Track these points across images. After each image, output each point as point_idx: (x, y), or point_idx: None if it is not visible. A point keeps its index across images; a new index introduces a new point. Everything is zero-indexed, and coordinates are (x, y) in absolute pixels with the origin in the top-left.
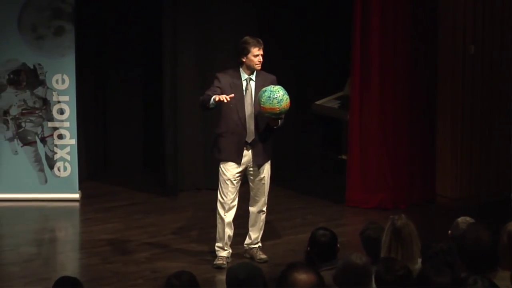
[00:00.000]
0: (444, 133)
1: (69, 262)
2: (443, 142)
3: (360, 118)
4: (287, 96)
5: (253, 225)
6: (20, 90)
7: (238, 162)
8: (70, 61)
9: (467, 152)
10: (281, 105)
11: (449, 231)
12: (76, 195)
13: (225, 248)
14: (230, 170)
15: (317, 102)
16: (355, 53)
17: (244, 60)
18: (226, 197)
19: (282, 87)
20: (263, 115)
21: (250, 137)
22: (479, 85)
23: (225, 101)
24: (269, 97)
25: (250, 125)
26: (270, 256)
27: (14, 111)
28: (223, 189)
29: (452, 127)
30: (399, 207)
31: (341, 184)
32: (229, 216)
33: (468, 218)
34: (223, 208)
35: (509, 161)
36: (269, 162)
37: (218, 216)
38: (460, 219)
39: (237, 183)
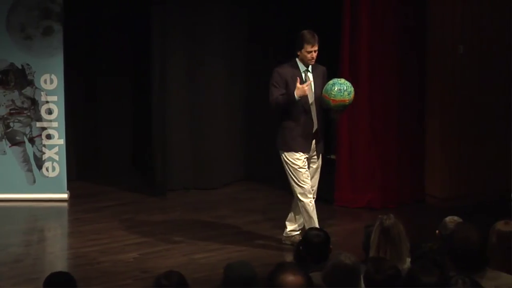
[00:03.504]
0: (433, 133)
1: (58, 262)
2: (432, 142)
3: (349, 118)
4: (353, 88)
5: (298, 212)
6: (9, 90)
7: (308, 151)
8: (58, 61)
9: (456, 152)
10: (350, 96)
11: (437, 231)
12: (65, 195)
13: None
14: (300, 159)
15: None
16: (344, 54)
17: (299, 53)
18: (306, 184)
19: (345, 80)
20: (329, 108)
21: (314, 127)
22: (468, 85)
23: (307, 90)
24: (340, 89)
25: (314, 115)
26: (259, 256)
27: (2, 111)
28: (299, 177)
29: (441, 127)
30: (388, 206)
31: (330, 184)
32: (312, 199)
33: (456, 218)
34: (305, 195)
35: (497, 161)
36: None
37: (302, 203)
38: (448, 219)
39: (307, 168)
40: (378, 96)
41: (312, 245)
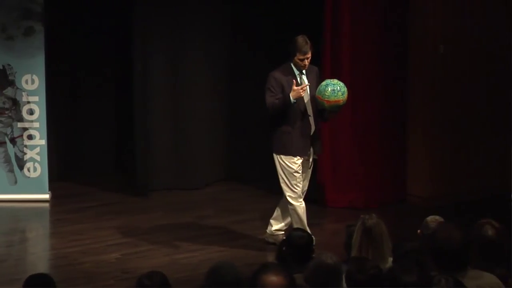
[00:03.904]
0: (415, 132)
1: (39, 263)
2: (414, 141)
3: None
4: (346, 88)
5: (285, 211)
6: None
7: (306, 155)
8: (39, 62)
9: (438, 152)
10: (344, 96)
11: (419, 230)
12: (46, 196)
13: None
14: (296, 163)
15: None
16: (326, 54)
17: (292, 58)
18: (297, 188)
19: (339, 81)
20: (324, 108)
21: (312, 129)
22: (450, 85)
23: (303, 93)
24: (334, 90)
25: (311, 117)
26: (241, 256)
27: None
28: (292, 181)
29: (423, 127)
30: (370, 206)
31: (312, 184)
32: (303, 202)
33: (437, 217)
34: (296, 198)
35: (479, 160)
36: None
37: (293, 207)
38: (429, 218)
39: (301, 172)
40: (359, 96)
41: (295, 246)
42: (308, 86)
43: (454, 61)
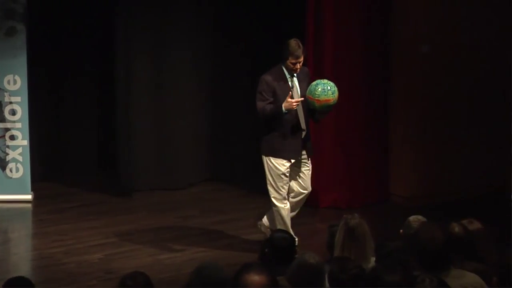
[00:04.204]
0: (398, 132)
1: (22, 264)
2: (397, 141)
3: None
4: (336, 88)
5: (293, 210)
6: None
7: (296, 158)
8: (22, 62)
9: (420, 151)
10: (334, 96)
11: (401, 230)
12: (29, 196)
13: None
14: (284, 165)
15: None
16: (308, 55)
17: (284, 61)
18: (283, 191)
19: (329, 80)
20: (314, 108)
21: (303, 132)
22: (433, 84)
23: (295, 107)
24: (324, 89)
25: (302, 120)
26: (225, 256)
27: None
28: (278, 183)
29: (406, 126)
30: (353, 206)
31: None
32: (288, 204)
33: (419, 217)
34: (280, 201)
35: (461, 160)
36: None
37: (277, 208)
38: (411, 218)
39: (289, 175)
40: (342, 97)
41: (278, 248)
42: (299, 89)
43: (436, 61)
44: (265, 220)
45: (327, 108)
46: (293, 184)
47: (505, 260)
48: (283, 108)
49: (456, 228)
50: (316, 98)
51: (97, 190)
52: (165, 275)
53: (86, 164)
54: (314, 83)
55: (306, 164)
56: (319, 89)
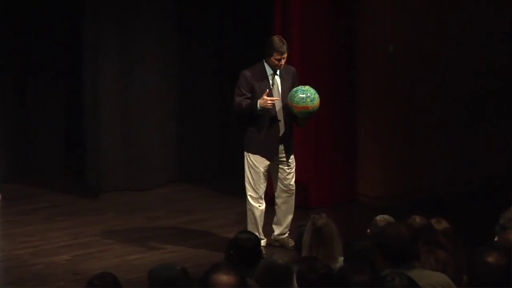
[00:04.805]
0: (366, 132)
1: None
2: (365, 141)
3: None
4: (317, 95)
5: (283, 216)
6: None
7: (273, 157)
8: None
9: (388, 151)
10: (313, 103)
11: (368, 230)
12: None
13: (262, 237)
14: (263, 163)
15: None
16: None
17: (267, 58)
18: (259, 189)
19: (310, 87)
20: (294, 115)
21: (281, 130)
22: (400, 84)
23: (270, 106)
24: (302, 97)
25: (281, 119)
26: (193, 257)
27: None
28: (255, 181)
29: (373, 126)
30: (320, 206)
31: None
32: (262, 205)
33: (386, 216)
34: (256, 199)
35: (429, 159)
36: None
37: (250, 207)
38: (378, 218)
39: (267, 174)
40: None
41: (243, 249)
42: (281, 88)
43: (403, 60)
44: (274, 233)
45: (306, 115)
46: (276, 184)
47: (474, 259)
48: (258, 105)
49: (417, 219)
50: (295, 105)
51: (65, 191)
52: (133, 276)
53: (54, 165)
54: (294, 89)
55: (287, 164)
56: (298, 96)
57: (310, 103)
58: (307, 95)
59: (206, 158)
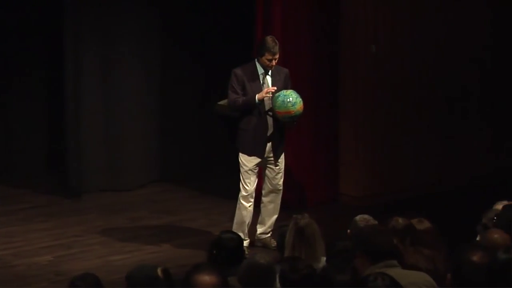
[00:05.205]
0: (347, 132)
1: None
2: (346, 141)
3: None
4: (300, 99)
5: (268, 215)
6: None
7: (261, 156)
8: None
9: (369, 151)
10: (295, 108)
11: (348, 230)
12: None
13: (246, 238)
14: (251, 161)
15: (220, 103)
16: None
17: (259, 57)
18: (249, 187)
19: (294, 91)
20: (279, 120)
21: (269, 130)
22: (381, 84)
23: (265, 95)
24: (283, 101)
25: (270, 119)
26: (175, 257)
27: None
28: (245, 179)
29: (354, 127)
30: (303, 206)
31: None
32: (252, 205)
33: (366, 216)
34: (246, 198)
35: (411, 159)
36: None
37: (240, 206)
38: (358, 218)
39: (256, 172)
40: None
41: (225, 248)
42: (271, 86)
43: (385, 61)
44: (257, 232)
45: (290, 119)
46: (264, 183)
47: (459, 258)
48: (256, 99)
49: (400, 220)
50: (277, 110)
51: (46, 191)
52: (115, 277)
53: (35, 166)
54: (277, 94)
55: (276, 164)
56: (279, 101)
57: (291, 107)
58: (288, 99)
59: (188, 158)
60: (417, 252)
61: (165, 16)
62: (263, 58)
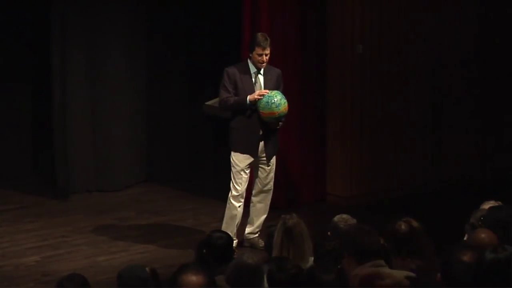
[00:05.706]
0: (334, 131)
1: None
2: (333, 141)
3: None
4: (285, 100)
5: (257, 215)
6: None
7: (254, 155)
8: None
9: (357, 151)
10: (279, 109)
11: (329, 232)
12: None
13: (234, 238)
14: (243, 161)
15: (207, 103)
16: (244, 55)
17: (250, 55)
18: (240, 187)
19: (279, 92)
20: (264, 121)
21: (262, 129)
22: (368, 84)
23: (260, 98)
24: (267, 102)
25: (260, 118)
26: (162, 258)
27: None
28: (236, 180)
29: (341, 127)
30: (290, 206)
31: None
32: (242, 206)
33: (344, 216)
34: (236, 198)
35: (397, 159)
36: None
37: (230, 205)
38: (336, 218)
39: (248, 172)
40: None
41: (216, 247)
42: (264, 87)
43: (372, 61)
44: (245, 232)
45: (274, 120)
46: (255, 183)
47: (449, 257)
48: (247, 100)
49: (403, 225)
50: (261, 111)
51: (33, 192)
52: (103, 277)
53: (22, 166)
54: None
55: (268, 164)
56: (264, 102)
57: (275, 109)
58: (272, 101)
59: (175, 158)
60: (409, 262)
61: (152, 17)
62: (254, 53)
